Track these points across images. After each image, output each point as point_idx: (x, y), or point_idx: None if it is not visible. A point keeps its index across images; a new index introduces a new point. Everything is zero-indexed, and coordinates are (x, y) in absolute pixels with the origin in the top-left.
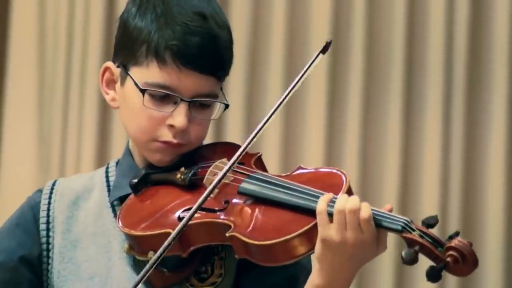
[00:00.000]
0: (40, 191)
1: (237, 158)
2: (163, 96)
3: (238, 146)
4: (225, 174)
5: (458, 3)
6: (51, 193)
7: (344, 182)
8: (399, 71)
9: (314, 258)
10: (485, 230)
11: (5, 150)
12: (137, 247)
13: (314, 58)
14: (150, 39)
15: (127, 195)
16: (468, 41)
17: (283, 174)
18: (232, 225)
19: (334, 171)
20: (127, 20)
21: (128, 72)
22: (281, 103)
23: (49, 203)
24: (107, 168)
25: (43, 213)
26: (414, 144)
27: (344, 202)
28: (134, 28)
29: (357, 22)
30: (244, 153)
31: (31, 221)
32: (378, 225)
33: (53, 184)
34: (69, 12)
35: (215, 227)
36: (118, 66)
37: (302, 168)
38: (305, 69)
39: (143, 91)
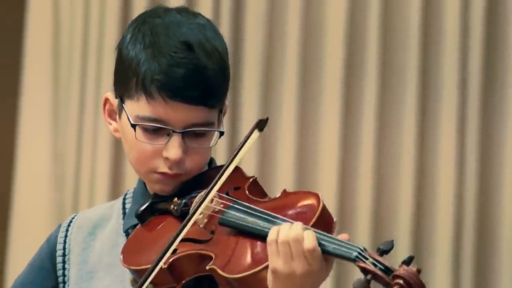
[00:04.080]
0: (60, 226)
1: (207, 192)
2: (156, 129)
3: (235, 169)
4: (196, 209)
5: (473, 1)
6: (68, 225)
7: (317, 207)
8: (414, 75)
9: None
10: (500, 235)
11: (20, 169)
12: (138, 280)
13: (249, 133)
14: (139, 71)
15: (138, 224)
16: (483, 42)
17: (268, 199)
18: (213, 256)
19: (309, 195)
20: (122, 49)
21: (123, 104)
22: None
23: (65, 236)
24: (125, 195)
25: (59, 246)
26: (429, 150)
27: (287, 232)
28: (126, 58)
29: (372, 22)
30: (221, 183)
31: (48, 257)
32: (331, 253)
33: (72, 218)
34: (84, 31)
35: (200, 258)
36: (116, 97)
37: (286, 193)
38: (240, 145)
39: (134, 126)
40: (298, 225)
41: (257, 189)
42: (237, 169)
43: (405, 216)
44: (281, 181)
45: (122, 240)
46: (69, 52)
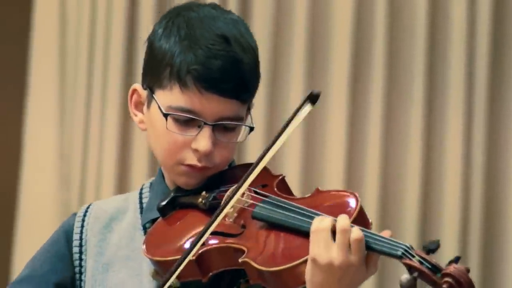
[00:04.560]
0: (74, 214)
1: (240, 185)
2: (187, 120)
3: (263, 168)
4: (229, 201)
5: (480, 2)
6: (84, 215)
7: (356, 205)
8: (421, 69)
9: (306, 280)
10: (506, 229)
11: (26, 168)
12: (161, 272)
13: (300, 106)
14: (173, 62)
15: (157, 218)
16: (490, 37)
17: (300, 197)
18: (246, 250)
19: (347, 193)
20: (153, 42)
21: (154, 95)
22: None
23: (82, 226)
24: (141, 189)
25: (76, 236)
26: (435, 144)
27: (333, 221)
28: (159, 50)
29: (379, 15)
30: (253, 175)
31: (65, 245)
32: (378, 250)
33: (88, 208)
34: (90, 31)
35: (231, 252)
36: (145, 89)
37: (319, 191)
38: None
39: (166, 115)
40: (345, 216)
41: (285, 187)
42: (264, 168)
43: (411, 210)
44: (287, 174)
45: (139, 234)
46: (75, 51)
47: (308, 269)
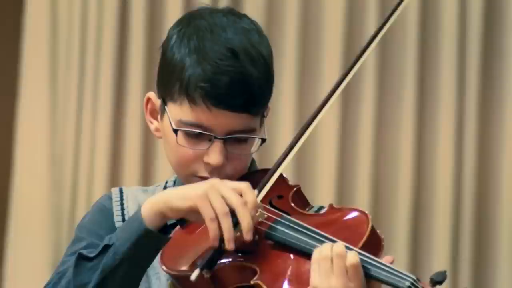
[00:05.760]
0: (108, 198)
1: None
2: (198, 134)
3: (280, 177)
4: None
5: (471, 2)
6: (122, 199)
7: (366, 228)
8: (412, 79)
9: None
10: (497, 231)
11: (18, 172)
12: (176, 284)
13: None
14: (183, 77)
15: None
16: (481, 39)
17: (313, 214)
18: (258, 270)
19: (359, 214)
20: (166, 51)
21: (166, 107)
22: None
23: (122, 209)
24: (165, 184)
25: (117, 218)
26: (427, 147)
27: (330, 248)
28: (170, 61)
29: (370, 18)
30: (272, 184)
31: (109, 227)
32: (383, 281)
33: (120, 192)
34: (82, 26)
35: (244, 270)
36: (159, 98)
37: (332, 208)
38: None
39: (175, 131)
40: (340, 244)
41: (300, 199)
42: (281, 177)
43: (403, 209)
44: None
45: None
46: (67, 54)
47: None
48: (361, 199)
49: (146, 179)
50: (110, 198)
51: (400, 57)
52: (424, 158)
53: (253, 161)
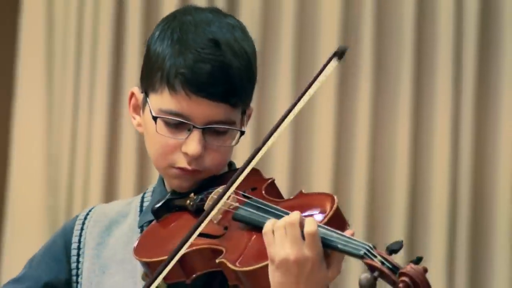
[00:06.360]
0: (76, 217)
1: (227, 187)
2: (177, 123)
3: (254, 171)
4: (215, 204)
5: (467, 3)
6: (85, 218)
7: (331, 206)
8: (408, 79)
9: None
10: (493, 230)
11: (14, 172)
12: (149, 274)
13: (326, 63)
14: (164, 66)
15: (153, 220)
16: (477, 36)
17: (283, 200)
18: (224, 250)
19: (325, 195)
20: (150, 44)
21: (147, 98)
22: (285, 117)
23: (81, 229)
24: (144, 193)
25: (75, 239)
26: (423, 156)
27: (283, 219)
28: (153, 54)
29: (366, 17)
30: (242, 178)
31: (62, 247)
32: (340, 249)
33: (90, 211)
34: (78, 26)
35: (211, 253)
36: (142, 92)
37: (302, 194)
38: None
39: (155, 118)
40: (295, 213)
41: (273, 191)
42: (256, 171)
43: (399, 209)
44: (275, 176)
45: (136, 236)
46: (62, 54)
47: (270, 271)
48: (357, 199)
49: (142, 179)
50: (77, 216)
51: (396, 57)
52: (420, 158)
53: (232, 162)
